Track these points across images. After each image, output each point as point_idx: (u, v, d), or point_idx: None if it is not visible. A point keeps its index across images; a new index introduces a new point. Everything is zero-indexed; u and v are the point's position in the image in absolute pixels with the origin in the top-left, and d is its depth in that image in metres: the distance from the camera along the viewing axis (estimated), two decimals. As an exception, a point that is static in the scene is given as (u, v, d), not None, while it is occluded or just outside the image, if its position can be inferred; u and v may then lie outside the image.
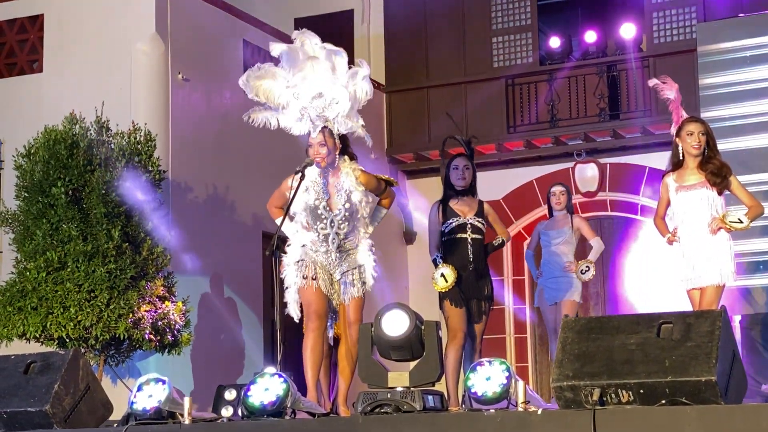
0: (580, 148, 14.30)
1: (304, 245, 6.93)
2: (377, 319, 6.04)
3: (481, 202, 8.30)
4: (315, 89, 6.81)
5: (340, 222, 6.84)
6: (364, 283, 6.91)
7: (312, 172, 6.88)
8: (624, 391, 5.12)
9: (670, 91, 8.22)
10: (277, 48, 6.93)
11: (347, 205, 6.86)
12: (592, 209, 14.36)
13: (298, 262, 6.93)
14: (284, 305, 6.92)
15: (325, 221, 6.84)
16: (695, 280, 7.46)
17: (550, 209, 10.12)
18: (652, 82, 8.53)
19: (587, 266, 9.73)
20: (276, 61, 7.01)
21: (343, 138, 6.94)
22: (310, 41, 6.90)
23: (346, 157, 6.95)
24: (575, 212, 10.31)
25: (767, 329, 11.25)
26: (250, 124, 12.42)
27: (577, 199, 14.15)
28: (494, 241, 8.33)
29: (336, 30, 13.75)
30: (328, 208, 6.85)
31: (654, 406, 5.03)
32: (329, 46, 6.92)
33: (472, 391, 5.67)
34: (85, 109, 10.07)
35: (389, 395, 5.84)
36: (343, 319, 6.97)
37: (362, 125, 6.89)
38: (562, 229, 9.92)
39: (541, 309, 10.28)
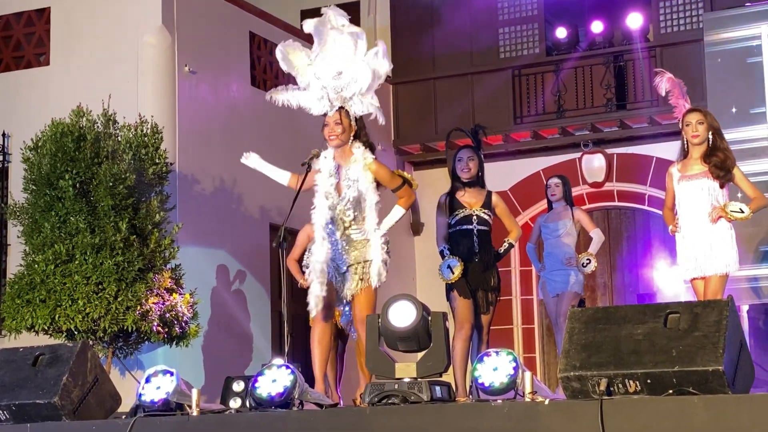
0: (587, 139, 14.30)
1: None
2: (384, 310, 6.05)
3: (489, 193, 8.27)
4: (335, 67, 6.81)
5: (346, 208, 6.83)
6: (369, 278, 6.85)
7: (327, 155, 6.90)
8: (631, 381, 5.12)
9: (661, 82, 8.17)
10: (309, 24, 6.91)
11: (353, 191, 6.84)
12: (600, 200, 14.36)
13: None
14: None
15: (331, 203, 6.84)
16: (698, 269, 7.47)
17: (550, 202, 10.16)
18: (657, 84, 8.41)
19: (588, 259, 9.76)
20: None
21: (359, 122, 6.94)
22: (335, 18, 6.90)
23: (360, 143, 6.93)
24: (575, 204, 10.32)
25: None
26: (256, 116, 12.44)
27: (584, 189, 14.17)
28: (501, 248, 8.23)
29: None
30: (336, 192, 6.86)
31: (661, 396, 5.03)
32: (351, 27, 6.90)
33: (479, 381, 5.68)
34: (92, 101, 10.08)
35: (396, 386, 5.85)
36: (354, 314, 6.96)
37: (378, 106, 6.90)
38: (562, 221, 9.94)
39: (544, 301, 10.31)
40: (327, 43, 6.83)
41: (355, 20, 7.05)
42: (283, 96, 6.98)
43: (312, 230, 8.96)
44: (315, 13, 7.03)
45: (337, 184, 6.86)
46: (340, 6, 6.70)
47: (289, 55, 6.93)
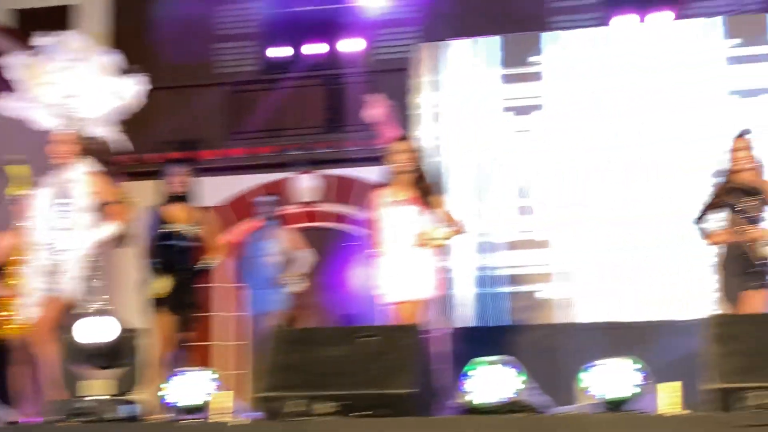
0: (300, 158, 14.39)
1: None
2: (74, 325, 5.89)
3: (198, 209, 8.24)
4: (69, 89, 6.73)
5: (58, 213, 6.68)
6: (64, 286, 6.69)
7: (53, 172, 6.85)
8: (326, 403, 5.16)
9: (372, 108, 8.32)
10: (44, 39, 6.81)
11: (64, 196, 6.75)
12: (309, 219, 14.48)
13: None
14: None
15: (46, 212, 6.73)
16: (397, 293, 7.61)
17: (260, 220, 10.21)
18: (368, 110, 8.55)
19: (295, 278, 9.85)
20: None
21: (89, 140, 6.82)
22: (74, 41, 6.83)
23: (84, 160, 6.88)
24: (286, 223, 10.40)
25: (472, 342, 11.62)
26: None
27: (295, 208, 14.25)
28: (203, 265, 8.12)
29: (59, 25, 13.33)
30: (50, 198, 6.76)
31: (355, 418, 5.08)
32: (102, 50, 6.83)
33: (171, 401, 5.60)
34: None
35: (85, 404, 5.70)
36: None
37: (116, 131, 6.87)
38: (271, 240, 9.99)
39: (251, 318, 10.31)
40: (62, 64, 6.76)
41: (72, 24, 7.00)
42: (12, 105, 6.88)
43: (15, 236, 8.64)
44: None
45: (55, 192, 6.76)
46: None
47: (24, 69, 6.81)
